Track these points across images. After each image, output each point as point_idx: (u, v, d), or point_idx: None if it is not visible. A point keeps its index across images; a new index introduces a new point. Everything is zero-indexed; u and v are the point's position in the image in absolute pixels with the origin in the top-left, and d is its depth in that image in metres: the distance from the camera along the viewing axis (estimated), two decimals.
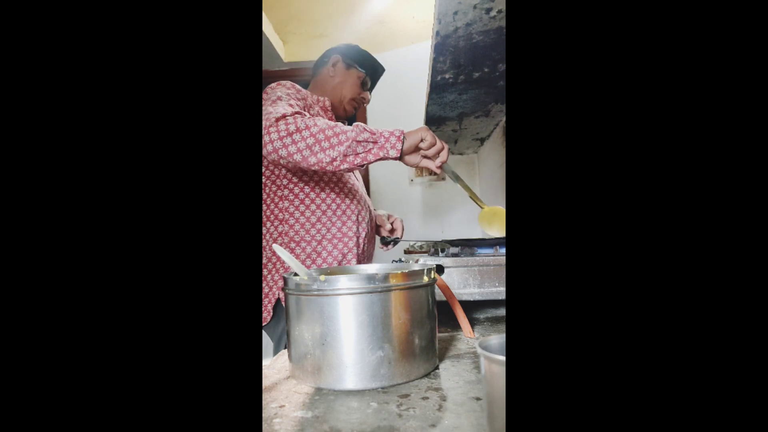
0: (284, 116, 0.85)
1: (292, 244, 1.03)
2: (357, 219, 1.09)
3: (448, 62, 1.08)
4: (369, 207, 1.16)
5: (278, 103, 0.94)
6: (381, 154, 0.83)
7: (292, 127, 0.83)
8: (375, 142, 0.82)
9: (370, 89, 1.26)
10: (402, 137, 0.83)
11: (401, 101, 2.48)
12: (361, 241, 1.09)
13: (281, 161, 0.87)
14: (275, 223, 1.05)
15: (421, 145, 0.84)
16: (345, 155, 0.82)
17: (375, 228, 1.22)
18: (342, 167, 0.83)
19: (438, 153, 0.85)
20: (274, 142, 0.83)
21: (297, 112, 0.88)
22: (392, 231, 1.26)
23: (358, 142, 0.81)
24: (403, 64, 2.48)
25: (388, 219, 1.28)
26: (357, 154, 0.82)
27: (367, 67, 1.21)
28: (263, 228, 1.07)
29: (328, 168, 0.84)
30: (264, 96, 1.02)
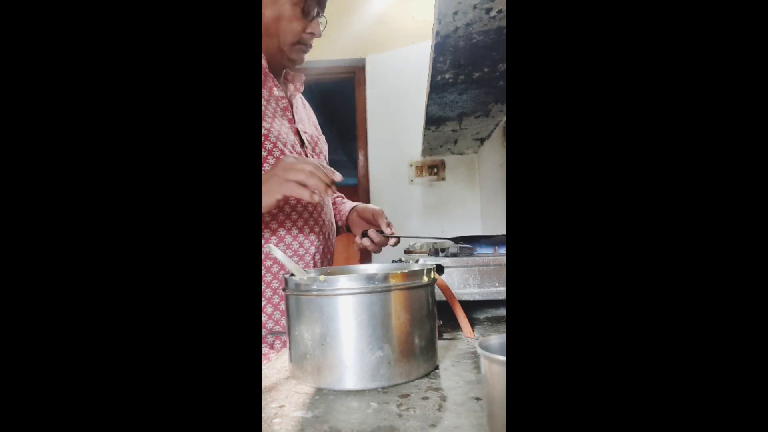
0: None
1: (273, 240, 0.85)
2: (317, 224, 0.89)
3: (448, 62, 1.08)
4: (328, 222, 0.94)
5: None
6: None
7: None
8: None
9: (320, 14, 0.86)
10: None
11: (401, 101, 2.48)
12: (317, 257, 0.90)
13: None
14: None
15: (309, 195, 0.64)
16: None
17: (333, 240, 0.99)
18: None
19: (325, 181, 0.65)
20: None
21: None
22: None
23: None
24: (403, 64, 2.48)
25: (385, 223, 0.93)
26: None
27: None
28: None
29: None
30: None
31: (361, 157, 2.61)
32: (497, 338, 0.35)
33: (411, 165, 2.52)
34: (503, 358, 0.29)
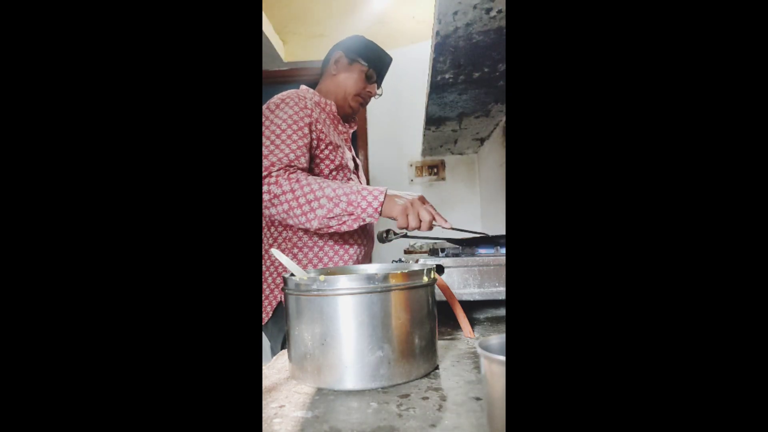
0: (270, 173, 0.88)
1: (295, 249, 1.04)
2: (364, 236, 1.10)
3: (448, 62, 1.08)
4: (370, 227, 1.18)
5: (273, 147, 0.93)
6: (355, 225, 0.88)
7: (275, 189, 0.87)
8: (351, 214, 0.86)
9: (378, 82, 1.22)
10: (380, 209, 0.86)
11: (401, 101, 2.48)
12: (361, 245, 1.10)
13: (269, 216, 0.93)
14: (279, 228, 1.05)
15: (406, 222, 0.85)
16: (318, 227, 0.88)
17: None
18: (318, 232, 0.92)
19: (429, 225, 0.86)
20: (262, 201, 0.89)
21: (285, 166, 0.91)
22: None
23: (330, 218, 0.86)
24: (403, 64, 2.48)
25: None
26: (330, 227, 0.88)
27: (371, 60, 1.18)
28: (267, 232, 1.07)
29: (305, 228, 0.90)
30: (266, 113, 0.99)
31: (361, 157, 2.61)
32: (497, 338, 0.35)
33: (411, 165, 2.52)
34: (503, 358, 0.29)
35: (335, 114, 1.17)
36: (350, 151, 1.22)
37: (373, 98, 1.23)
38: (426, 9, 2.16)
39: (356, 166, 1.22)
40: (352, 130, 1.24)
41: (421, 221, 0.85)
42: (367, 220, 0.86)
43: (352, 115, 1.23)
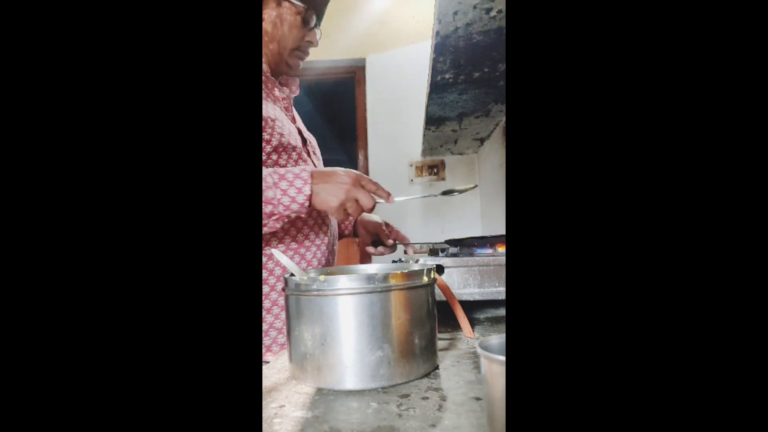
0: None
1: (281, 247, 0.88)
2: (323, 230, 0.92)
3: (448, 62, 1.08)
4: (333, 227, 0.99)
5: None
6: (278, 225, 0.72)
7: None
8: (272, 215, 0.69)
9: (318, 24, 0.92)
10: (307, 203, 0.70)
11: (401, 101, 2.48)
12: (325, 250, 0.93)
13: None
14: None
15: (344, 216, 0.72)
16: None
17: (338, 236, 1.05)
18: None
19: (371, 208, 0.72)
20: None
21: None
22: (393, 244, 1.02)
23: None
24: (403, 64, 2.48)
25: (388, 229, 1.03)
26: None
27: None
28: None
29: None
30: None
31: (361, 157, 2.61)
32: (497, 338, 0.35)
33: (411, 165, 2.52)
34: (503, 358, 0.29)
35: (268, 76, 0.88)
36: (294, 122, 0.94)
37: (313, 49, 0.94)
38: (426, 9, 2.16)
39: (304, 141, 0.94)
40: (294, 95, 0.97)
41: (362, 208, 0.71)
42: (293, 216, 0.72)
43: (290, 74, 0.95)
